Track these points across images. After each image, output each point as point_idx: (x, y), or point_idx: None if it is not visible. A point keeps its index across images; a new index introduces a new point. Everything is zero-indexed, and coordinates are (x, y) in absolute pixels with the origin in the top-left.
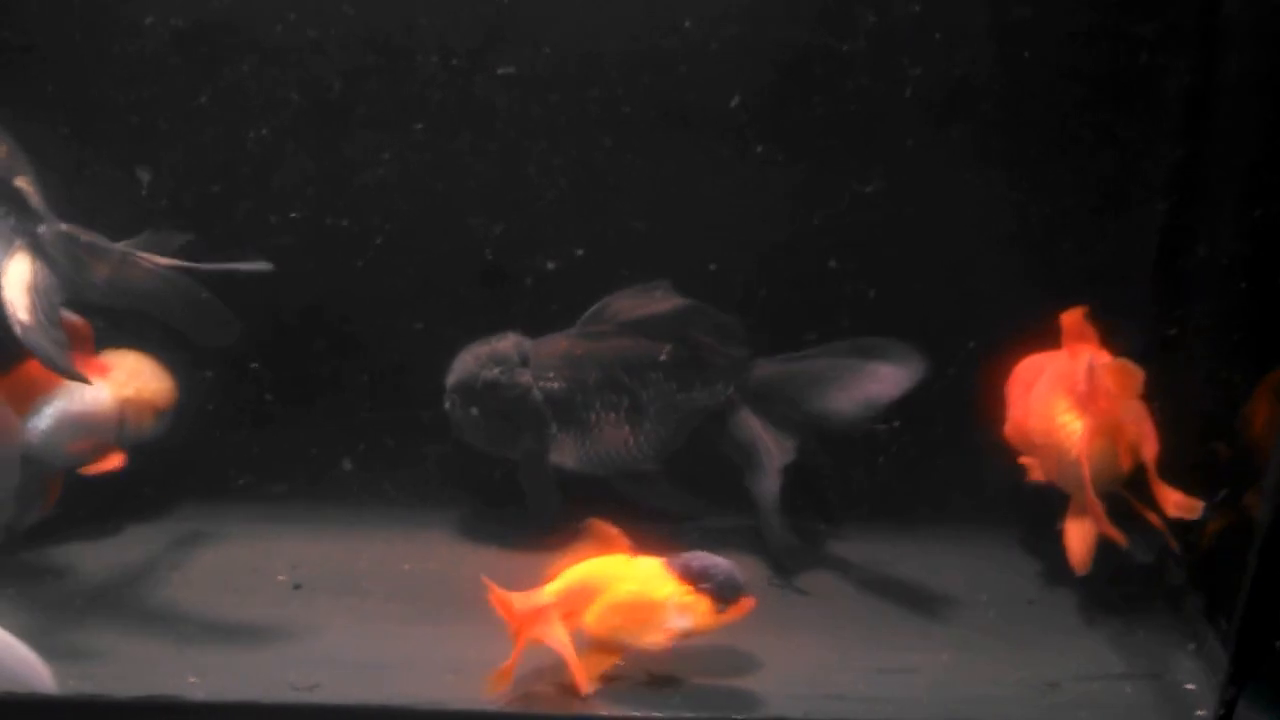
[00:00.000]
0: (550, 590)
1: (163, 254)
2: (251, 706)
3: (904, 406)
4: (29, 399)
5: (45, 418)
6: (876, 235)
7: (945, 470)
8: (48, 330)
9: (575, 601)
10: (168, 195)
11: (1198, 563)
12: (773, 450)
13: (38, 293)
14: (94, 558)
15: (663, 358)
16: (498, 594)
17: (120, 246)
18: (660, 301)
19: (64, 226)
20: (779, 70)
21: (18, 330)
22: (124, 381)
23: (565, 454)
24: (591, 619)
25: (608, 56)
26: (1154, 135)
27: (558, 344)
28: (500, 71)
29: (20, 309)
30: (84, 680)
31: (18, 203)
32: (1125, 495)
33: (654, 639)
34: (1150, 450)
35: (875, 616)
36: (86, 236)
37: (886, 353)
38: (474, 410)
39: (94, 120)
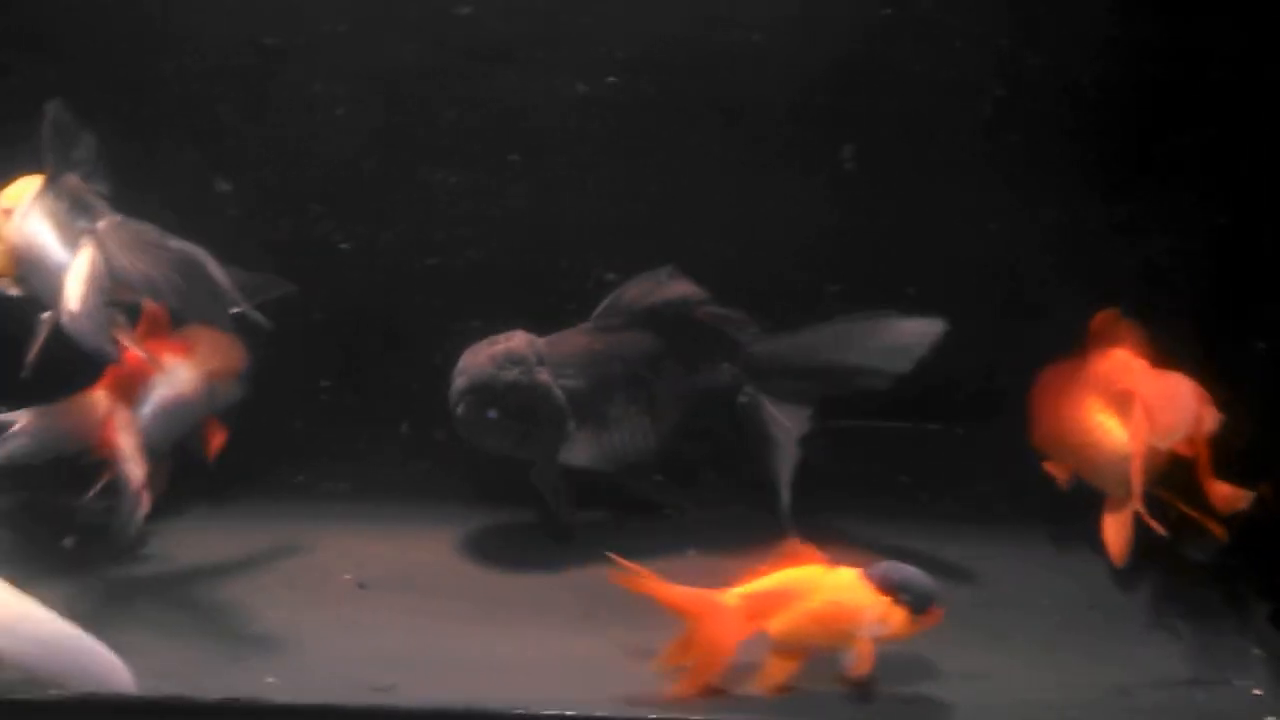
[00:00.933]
0: (737, 592)
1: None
2: (335, 709)
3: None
4: (134, 394)
5: (149, 407)
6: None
7: (987, 471)
8: (92, 317)
9: (764, 606)
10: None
11: (1261, 564)
12: (785, 423)
13: (91, 283)
14: (156, 553)
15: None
16: (673, 588)
17: (183, 246)
18: (668, 287)
19: (119, 219)
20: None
21: (64, 319)
22: (205, 356)
23: (580, 452)
24: (782, 625)
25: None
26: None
27: (574, 340)
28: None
29: (73, 299)
30: (162, 679)
31: (81, 201)
32: (1166, 496)
33: (849, 648)
34: (1202, 448)
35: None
36: (139, 228)
37: (900, 316)
38: (491, 413)
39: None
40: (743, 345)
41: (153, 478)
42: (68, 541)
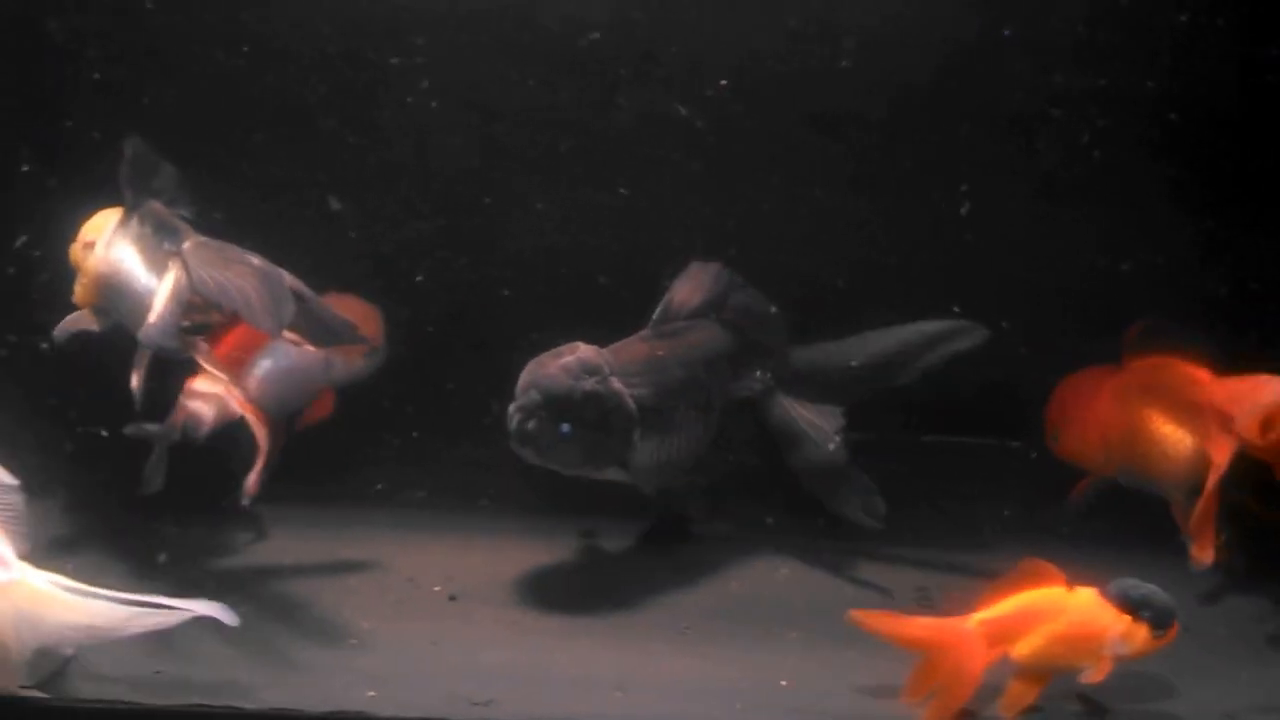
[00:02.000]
0: (979, 618)
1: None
2: None
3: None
4: (245, 358)
5: (259, 372)
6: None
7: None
8: (165, 329)
9: (1007, 631)
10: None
11: None
12: (819, 421)
13: (173, 299)
14: (245, 562)
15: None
16: (914, 621)
17: (256, 260)
18: (712, 283)
19: (202, 239)
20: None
21: (140, 333)
22: None
23: (642, 461)
24: (1026, 649)
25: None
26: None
27: (637, 347)
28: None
29: (153, 313)
30: (264, 690)
31: (165, 226)
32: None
33: (1092, 667)
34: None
35: None
36: (222, 247)
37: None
38: (565, 427)
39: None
40: (775, 349)
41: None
42: (161, 558)
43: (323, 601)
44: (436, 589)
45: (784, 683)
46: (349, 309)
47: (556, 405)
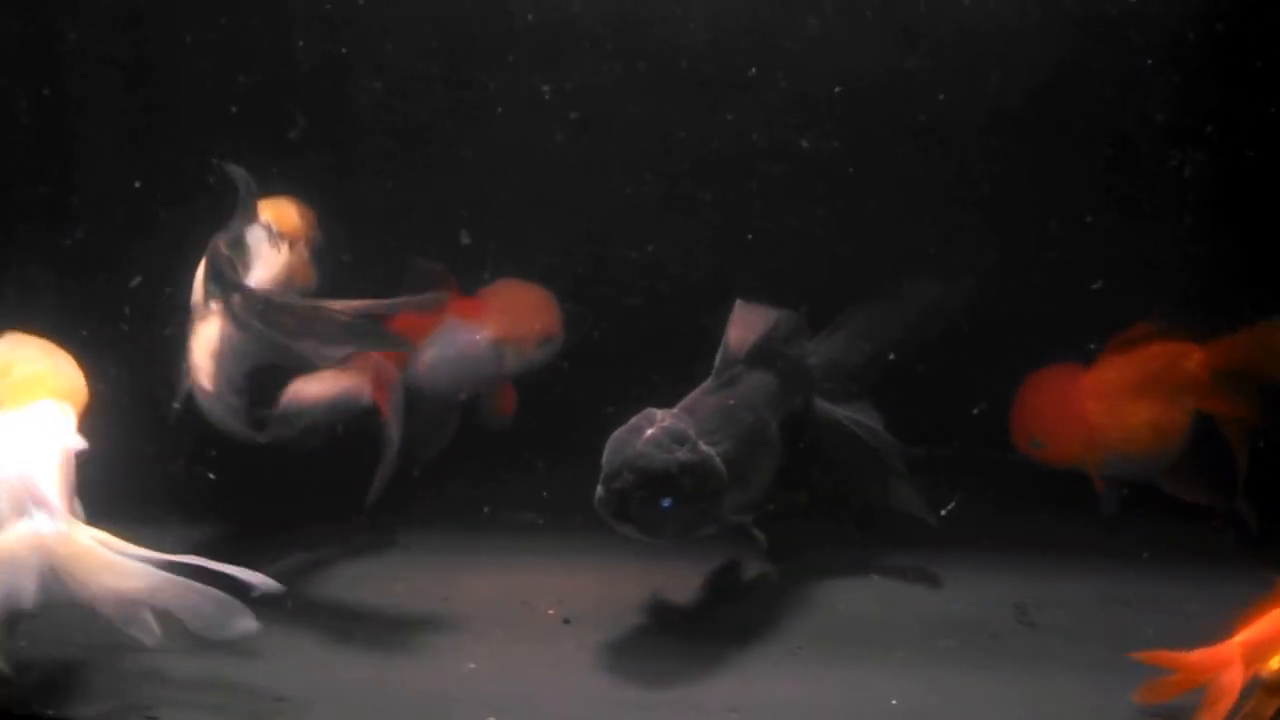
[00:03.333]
0: (1240, 641)
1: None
2: None
3: None
4: (412, 341)
5: (424, 358)
6: None
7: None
8: (225, 397)
9: (1263, 650)
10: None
11: None
12: (862, 419)
13: (223, 359)
14: (358, 582)
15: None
16: (1187, 656)
17: (310, 303)
18: (763, 322)
19: (259, 292)
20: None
21: (199, 395)
22: (498, 319)
23: (729, 512)
24: (1277, 664)
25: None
26: None
27: (708, 402)
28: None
29: (203, 375)
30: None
31: (216, 272)
32: None
33: None
34: None
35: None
36: (280, 300)
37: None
38: (666, 502)
39: None
40: (808, 364)
41: (434, 433)
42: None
43: (438, 627)
44: (550, 612)
45: (894, 702)
46: (527, 299)
47: (655, 483)
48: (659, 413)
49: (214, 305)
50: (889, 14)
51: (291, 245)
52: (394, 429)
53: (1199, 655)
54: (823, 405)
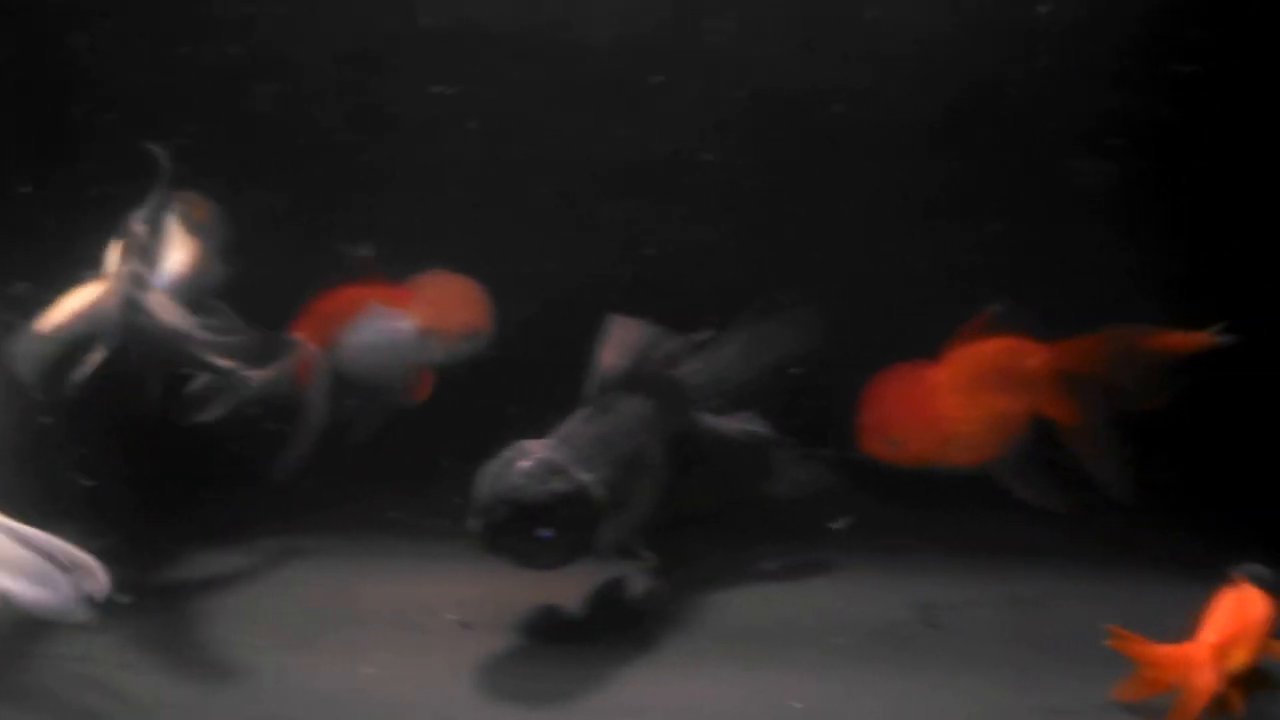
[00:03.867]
0: (1209, 643)
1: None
2: None
3: None
4: (332, 329)
5: (348, 343)
6: None
7: None
8: (46, 351)
9: (1228, 649)
10: None
11: None
12: (740, 424)
13: (79, 321)
14: (253, 589)
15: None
16: (1157, 648)
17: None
18: (637, 342)
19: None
20: None
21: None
22: (424, 309)
23: (608, 541)
24: (1243, 660)
25: None
26: None
27: (585, 429)
28: None
29: (48, 323)
30: None
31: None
32: None
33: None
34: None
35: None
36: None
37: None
38: (545, 533)
39: None
40: (684, 380)
41: (363, 417)
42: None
43: (337, 630)
44: (451, 617)
45: (797, 705)
46: (455, 290)
47: (530, 514)
48: (530, 444)
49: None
50: (797, 24)
51: (200, 238)
52: (315, 405)
53: (1171, 652)
54: (706, 419)
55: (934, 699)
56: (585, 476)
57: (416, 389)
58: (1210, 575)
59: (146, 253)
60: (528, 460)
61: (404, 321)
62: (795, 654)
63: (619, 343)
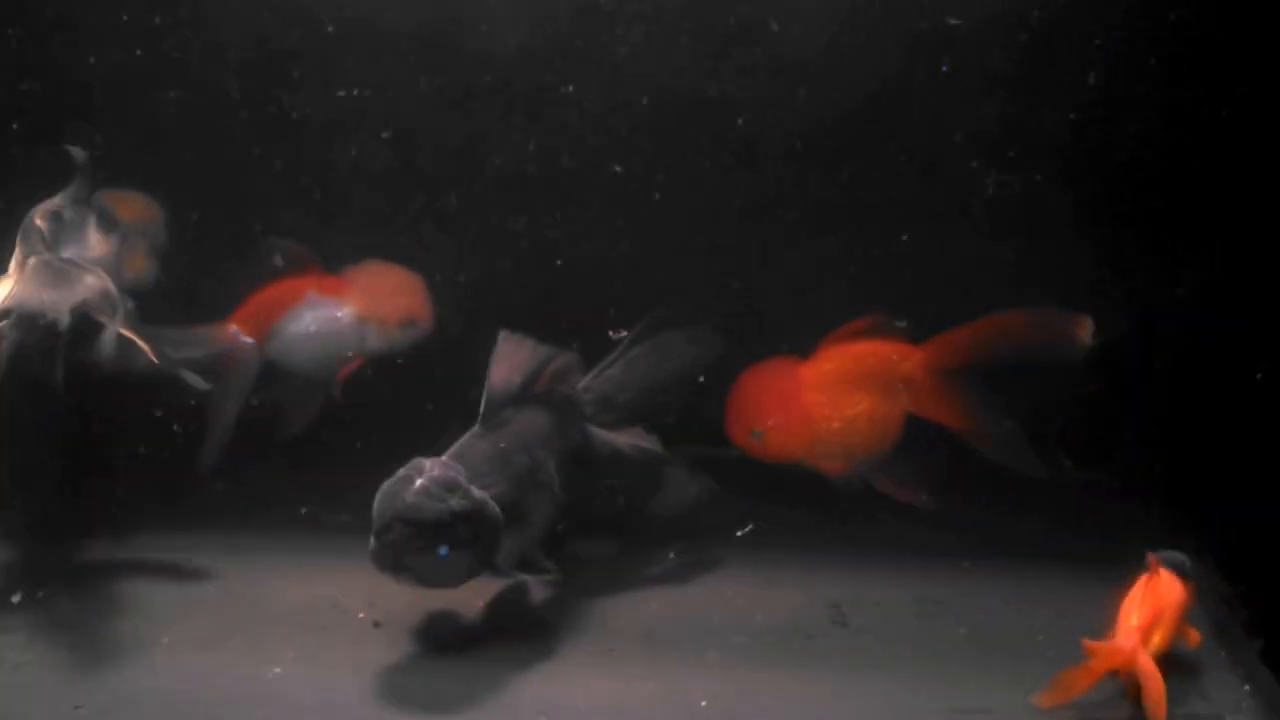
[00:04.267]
0: (1135, 626)
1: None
2: None
3: None
4: (268, 320)
5: (283, 332)
6: None
7: None
8: None
9: (1151, 629)
10: None
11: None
12: (634, 440)
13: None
14: (162, 587)
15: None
16: (1101, 645)
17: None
18: (528, 359)
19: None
20: None
21: None
22: (361, 298)
23: (508, 554)
24: (1161, 642)
25: None
26: None
27: (480, 447)
28: None
29: None
30: None
31: (23, 234)
32: None
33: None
34: None
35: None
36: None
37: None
38: (443, 550)
39: None
40: (577, 396)
41: (296, 411)
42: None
43: (245, 628)
44: (361, 615)
45: (704, 703)
46: (393, 280)
47: (429, 533)
48: (427, 461)
49: (15, 264)
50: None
51: (127, 236)
52: (235, 397)
53: (1109, 645)
54: (599, 435)
55: (842, 697)
56: (482, 493)
57: (345, 372)
58: (1115, 570)
59: (47, 243)
60: (424, 478)
61: (341, 310)
62: (703, 653)
63: (509, 360)
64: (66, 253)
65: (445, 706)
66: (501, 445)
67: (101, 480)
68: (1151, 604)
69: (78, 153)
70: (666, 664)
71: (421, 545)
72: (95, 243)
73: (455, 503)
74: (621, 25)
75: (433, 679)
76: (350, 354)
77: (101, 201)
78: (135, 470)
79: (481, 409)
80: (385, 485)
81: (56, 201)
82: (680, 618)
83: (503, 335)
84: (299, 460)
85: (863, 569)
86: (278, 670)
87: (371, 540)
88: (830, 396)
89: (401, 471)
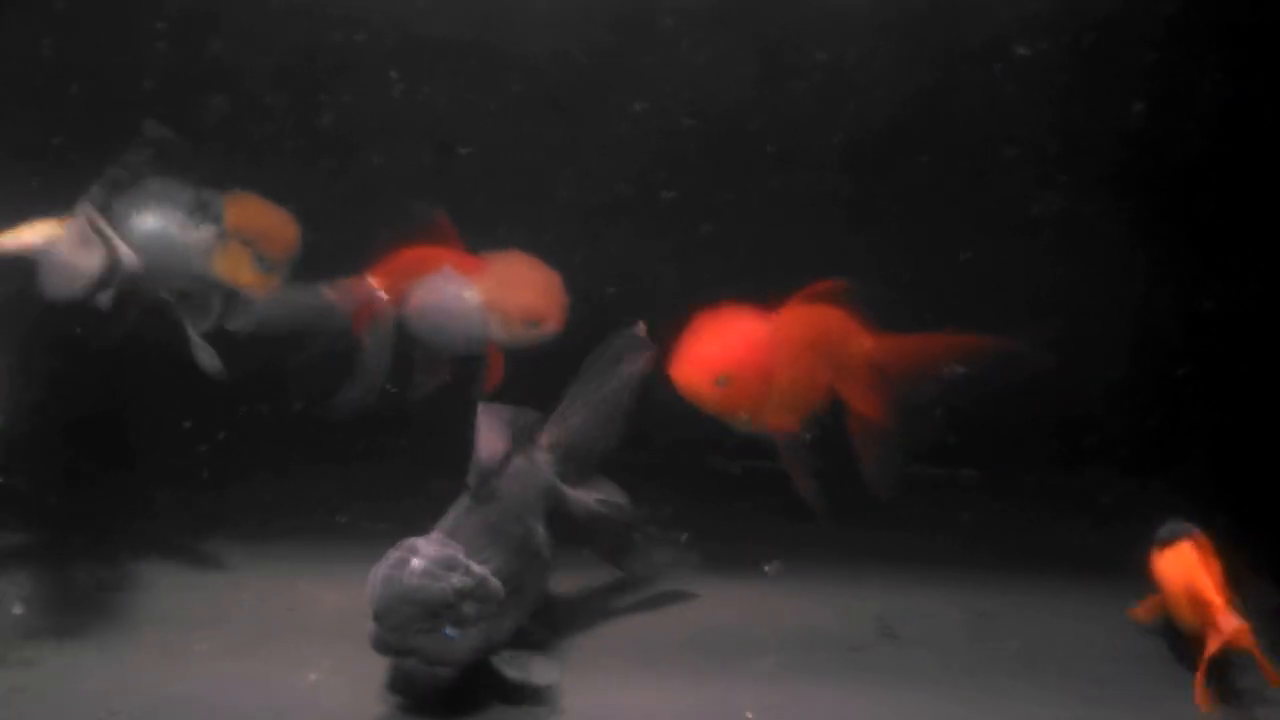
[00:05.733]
0: (1222, 603)
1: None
2: None
3: None
4: (404, 281)
5: (412, 299)
6: None
7: None
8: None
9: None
10: None
11: None
12: (609, 500)
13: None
14: (209, 595)
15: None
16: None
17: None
18: (508, 428)
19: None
20: None
21: None
22: (491, 285)
23: (509, 625)
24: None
25: None
26: None
27: (473, 521)
28: None
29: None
30: None
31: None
32: None
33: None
34: None
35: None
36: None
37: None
38: (451, 633)
39: None
40: (547, 456)
41: (421, 379)
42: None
43: (283, 636)
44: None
45: (749, 715)
46: (529, 275)
47: (437, 615)
48: (420, 541)
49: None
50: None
51: (222, 235)
52: (375, 351)
53: (1226, 631)
54: (573, 495)
55: (889, 710)
56: (482, 569)
57: (487, 370)
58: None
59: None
60: (420, 559)
61: (468, 291)
62: (749, 664)
63: (491, 429)
64: (129, 221)
65: (481, 717)
66: (492, 517)
67: (133, 481)
68: (1212, 574)
69: (151, 126)
70: (711, 675)
71: (429, 627)
72: (170, 224)
73: (457, 580)
74: None
75: (469, 689)
76: (475, 338)
77: (207, 192)
78: (167, 475)
79: (471, 482)
80: (380, 568)
81: (120, 172)
82: (727, 629)
83: (481, 406)
84: (338, 467)
85: (906, 581)
86: (313, 678)
87: (372, 626)
88: (792, 352)
89: (394, 553)
